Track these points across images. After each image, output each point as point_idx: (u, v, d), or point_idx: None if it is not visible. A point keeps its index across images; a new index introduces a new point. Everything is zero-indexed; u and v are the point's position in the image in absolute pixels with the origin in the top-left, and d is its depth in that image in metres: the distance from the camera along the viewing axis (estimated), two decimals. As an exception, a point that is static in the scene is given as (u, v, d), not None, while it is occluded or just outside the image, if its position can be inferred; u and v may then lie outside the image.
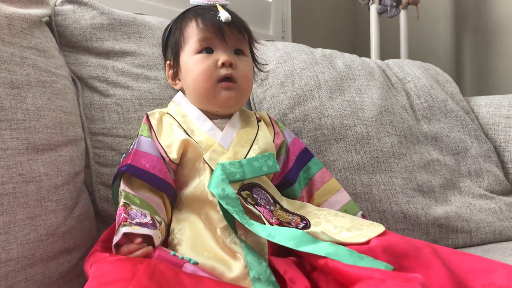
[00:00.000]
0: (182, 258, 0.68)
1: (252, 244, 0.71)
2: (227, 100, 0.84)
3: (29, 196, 0.74)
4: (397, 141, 1.18)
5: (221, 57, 0.83)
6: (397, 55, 2.12)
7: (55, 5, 1.03)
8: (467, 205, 1.16)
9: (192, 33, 0.85)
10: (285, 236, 0.67)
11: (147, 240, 0.69)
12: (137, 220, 0.70)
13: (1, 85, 0.75)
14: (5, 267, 0.69)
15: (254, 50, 0.95)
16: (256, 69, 0.97)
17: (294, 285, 0.64)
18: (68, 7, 1.03)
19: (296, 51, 1.26)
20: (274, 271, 0.68)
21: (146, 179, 0.77)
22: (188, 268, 0.67)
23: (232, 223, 0.73)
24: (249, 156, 0.81)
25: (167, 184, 0.79)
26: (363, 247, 0.66)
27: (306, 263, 0.69)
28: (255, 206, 0.76)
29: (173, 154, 0.80)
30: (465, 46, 2.30)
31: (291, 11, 2.17)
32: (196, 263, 0.68)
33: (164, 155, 0.81)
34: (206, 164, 0.79)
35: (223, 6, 0.87)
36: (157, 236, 0.71)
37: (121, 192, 0.75)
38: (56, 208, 0.78)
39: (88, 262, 0.70)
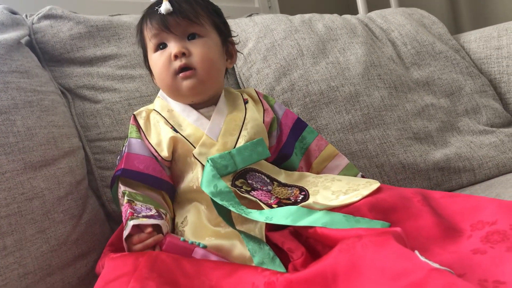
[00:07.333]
0: (192, 243, 0.71)
1: (250, 230, 0.73)
2: (191, 90, 0.83)
3: (35, 212, 0.78)
4: (387, 93, 1.18)
5: (172, 50, 0.82)
6: (387, 5, 2.07)
7: (33, 23, 1.05)
8: (467, 144, 1.17)
9: (146, 34, 0.86)
10: (282, 215, 0.68)
11: (156, 229, 0.72)
12: (144, 214, 0.73)
13: (-11, 113, 0.78)
14: (25, 281, 0.74)
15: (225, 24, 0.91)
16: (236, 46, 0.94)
17: (293, 253, 0.66)
18: (45, 23, 1.06)
19: (274, 23, 1.26)
20: (273, 244, 0.70)
21: (142, 180, 0.80)
22: (198, 252, 0.70)
23: (228, 216, 0.74)
24: (238, 144, 0.81)
25: (163, 181, 0.81)
26: (350, 208, 0.68)
27: (301, 232, 0.71)
28: (251, 192, 0.76)
29: (164, 152, 0.82)
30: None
31: (274, -21, 2.13)
32: (205, 247, 0.71)
33: (155, 154, 0.82)
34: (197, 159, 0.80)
35: None
36: (165, 225, 0.74)
37: (123, 193, 0.78)
38: (63, 218, 0.83)
39: (99, 266, 0.75)
